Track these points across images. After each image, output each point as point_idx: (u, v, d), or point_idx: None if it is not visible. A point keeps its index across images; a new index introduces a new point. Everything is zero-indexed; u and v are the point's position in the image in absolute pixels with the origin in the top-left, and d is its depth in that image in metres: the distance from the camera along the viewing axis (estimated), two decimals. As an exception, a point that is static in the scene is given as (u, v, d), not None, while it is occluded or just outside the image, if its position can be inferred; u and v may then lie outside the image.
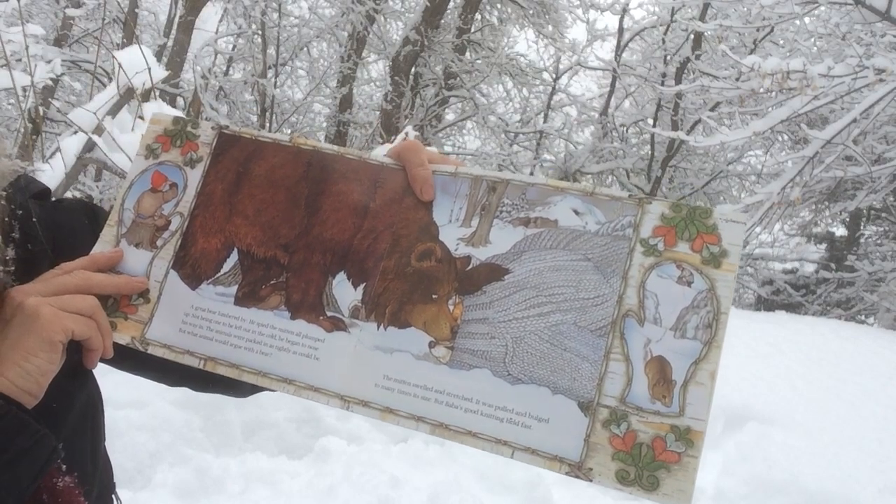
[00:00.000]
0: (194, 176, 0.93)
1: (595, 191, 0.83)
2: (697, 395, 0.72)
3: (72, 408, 0.86)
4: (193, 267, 0.89)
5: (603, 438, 0.73)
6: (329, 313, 0.84)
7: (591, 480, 0.72)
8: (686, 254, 0.77)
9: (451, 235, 0.84)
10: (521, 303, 0.80)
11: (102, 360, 0.84)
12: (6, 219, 0.82)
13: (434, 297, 0.82)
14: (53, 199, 0.94)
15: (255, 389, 0.96)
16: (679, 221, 0.79)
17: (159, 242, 0.90)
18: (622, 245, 0.79)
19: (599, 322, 0.77)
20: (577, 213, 0.82)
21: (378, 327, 0.82)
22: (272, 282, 0.87)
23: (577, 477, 0.72)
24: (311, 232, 0.88)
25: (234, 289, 0.87)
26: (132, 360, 0.89)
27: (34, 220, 0.86)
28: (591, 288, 0.79)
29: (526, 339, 0.78)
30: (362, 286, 0.84)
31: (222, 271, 0.88)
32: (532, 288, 0.80)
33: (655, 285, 0.77)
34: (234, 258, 0.89)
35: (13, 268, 0.81)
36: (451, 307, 0.81)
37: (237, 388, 0.95)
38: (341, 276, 0.85)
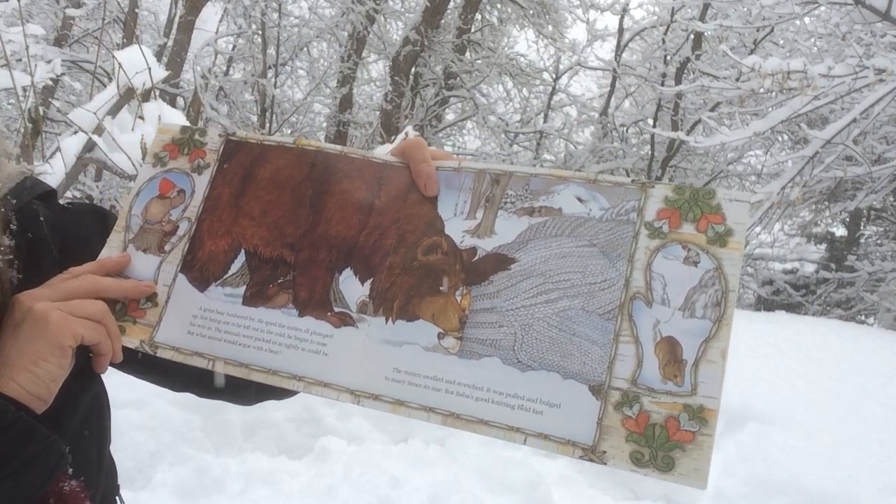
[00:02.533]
0: (202, 182, 0.93)
1: (598, 178, 0.83)
2: (709, 373, 0.72)
3: (76, 410, 0.86)
4: (201, 269, 0.89)
5: (615, 421, 0.72)
6: (337, 309, 0.84)
7: (605, 463, 0.71)
8: (691, 234, 0.77)
9: (457, 228, 0.84)
10: (528, 290, 0.80)
11: (111, 365, 0.83)
12: (2, 210, 0.81)
13: (441, 289, 0.82)
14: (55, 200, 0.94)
15: (259, 397, 0.96)
16: (683, 203, 0.79)
17: (167, 247, 0.91)
18: (627, 229, 0.80)
19: (607, 306, 0.77)
20: (580, 200, 0.83)
21: (386, 321, 0.82)
22: (279, 280, 0.87)
23: (591, 460, 0.72)
24: (317, 230, 0.88)
25: (242, 289, 0.87)
26: (138, 364, 0.89)
27: (42, 219, 0.85)
28: (597, 273, 0.78)
29: (534, 326, 0.78)
30: (369, 282, 0.85)
31: (230, 272, 0.89)
32: (539, 275, 0.80)
33: (662, 267, 0.77)
34: (241, 259, 0.89)
35: (12, 256, 0.81)
36: (458, 298, 0.81)
37: (242, 394, 0.95)
38: (348, 272, 0.86)
